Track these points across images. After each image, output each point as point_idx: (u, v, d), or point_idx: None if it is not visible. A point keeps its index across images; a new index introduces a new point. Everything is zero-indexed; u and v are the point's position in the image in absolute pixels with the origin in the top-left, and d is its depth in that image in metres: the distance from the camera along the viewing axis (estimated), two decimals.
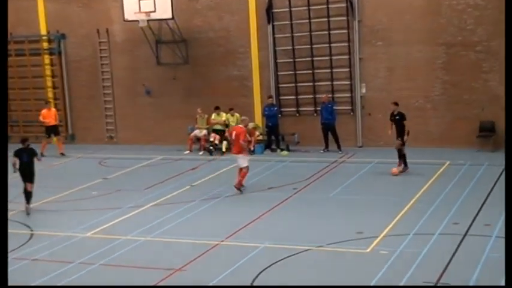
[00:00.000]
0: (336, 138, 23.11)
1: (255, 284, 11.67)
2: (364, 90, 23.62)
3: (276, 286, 11.45)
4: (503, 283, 10.90)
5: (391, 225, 14.49)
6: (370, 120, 23.69)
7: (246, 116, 20.22)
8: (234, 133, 18.21)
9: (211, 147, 24.04)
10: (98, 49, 27.00)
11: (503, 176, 18.27)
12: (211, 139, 24.30)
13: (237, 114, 24.25)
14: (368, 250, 13.04)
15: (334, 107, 23.36)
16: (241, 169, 18.10)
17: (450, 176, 18.64)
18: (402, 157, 19.21)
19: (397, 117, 19.20)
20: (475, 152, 21.42)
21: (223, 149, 24.01)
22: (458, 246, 13.00)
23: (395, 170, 19.06)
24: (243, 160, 18.01)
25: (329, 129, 23.21)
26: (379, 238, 13.70)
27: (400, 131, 19.13)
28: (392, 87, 23.20)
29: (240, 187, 18.00)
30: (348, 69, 23.71)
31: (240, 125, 18.74)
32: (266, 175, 20.29)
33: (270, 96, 24.19)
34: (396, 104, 19.57)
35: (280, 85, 24.84)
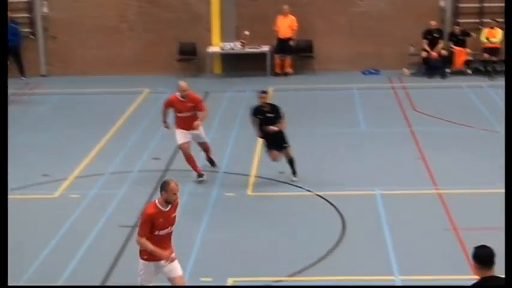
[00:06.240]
0: (20, 64, 22.33)
1: None
2: (46, 9, 22.89)
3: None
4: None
5: (82, 166, 14.46)
6: (55, 44, 23.11)
7: None
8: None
9: None
10: None
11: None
12: None
13: None
14: (56, 195, 12.93)
15: None
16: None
17: (149, 107, 18.93)
18: None
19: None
20: (175, 78, 21.91)
21: None
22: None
23: None
24: None
25: (13, 53, 22.06)
26: (68, 181, 13.63)
27: None
28: (79, 5, 22.74)
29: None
30: None
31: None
32: None
33: None
34: None
35: None
